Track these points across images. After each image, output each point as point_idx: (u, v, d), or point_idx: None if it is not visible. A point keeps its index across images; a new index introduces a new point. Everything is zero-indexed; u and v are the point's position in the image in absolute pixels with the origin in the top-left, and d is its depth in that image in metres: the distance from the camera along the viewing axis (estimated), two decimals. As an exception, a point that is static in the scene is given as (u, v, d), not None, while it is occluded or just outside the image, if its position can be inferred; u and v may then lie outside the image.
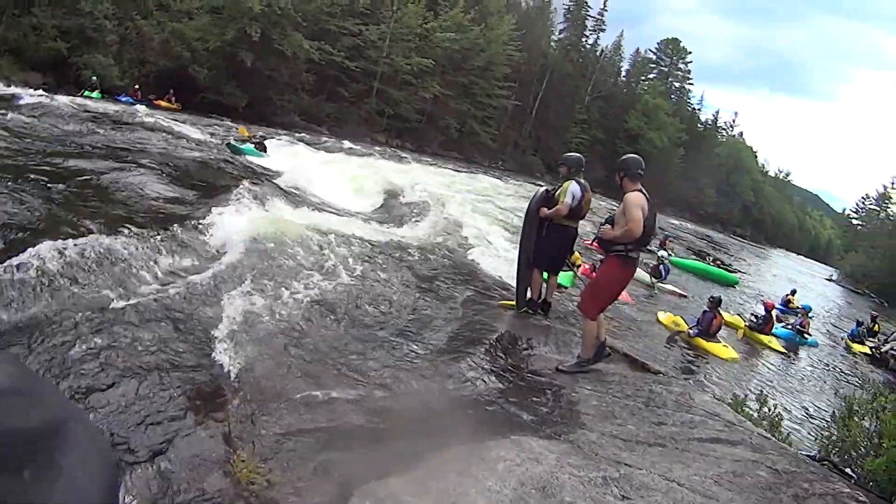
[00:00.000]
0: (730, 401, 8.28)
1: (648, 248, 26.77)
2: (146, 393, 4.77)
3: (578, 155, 8.94)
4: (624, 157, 7.19)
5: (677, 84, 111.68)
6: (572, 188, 8.44)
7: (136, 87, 37.51)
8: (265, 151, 22.85)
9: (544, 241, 8.70)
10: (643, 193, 6.77)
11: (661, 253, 22.81)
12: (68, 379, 4.60)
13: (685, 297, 19.52)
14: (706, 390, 8.96)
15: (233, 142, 22.49)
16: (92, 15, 35.99)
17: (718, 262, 31.86)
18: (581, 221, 8.91)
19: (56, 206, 8.51)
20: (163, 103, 37.20)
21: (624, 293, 15.97)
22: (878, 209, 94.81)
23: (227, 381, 5.32)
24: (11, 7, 34.04)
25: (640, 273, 20.45)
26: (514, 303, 9.06)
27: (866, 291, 64.74)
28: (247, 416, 4.91)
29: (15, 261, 5.90)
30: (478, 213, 20.49)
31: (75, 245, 6.61)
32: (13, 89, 25.55)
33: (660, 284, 20.18)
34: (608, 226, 7.45)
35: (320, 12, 50.25)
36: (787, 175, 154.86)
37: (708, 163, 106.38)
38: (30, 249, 6.21)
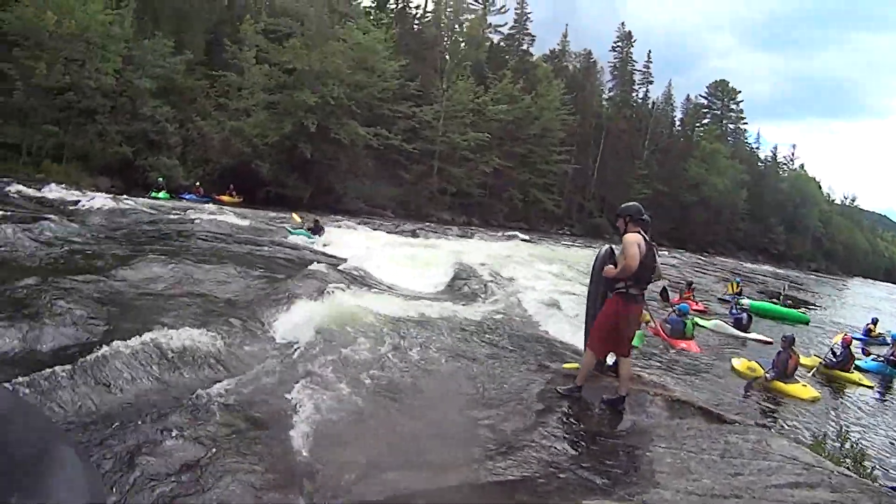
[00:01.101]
0: (809, 442, 8.07)
1: (726, 298, 25.82)
2: (220, 483, 4.79)
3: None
4: (626, 204, 7.78)
5: (731, 125, 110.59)
6: None
7: (198, 184, 38.60)
8: (320, 234, 23.15)
9: None
10: (642, 235, 7.27)
11: (744, 302, 22.00)
12: (144, 464, 4.75)
13: (770, 343, 18.39)
14: (784, 434, 8.54)
15: (289, 228, 23.31)
16: (153, 119, 37.71)
17: (789, 302, 30.12)
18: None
19: (130, 302, 9.19)
20: (225, 198, 38.19)
21: (693, 344, 15.84)
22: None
23: (299, 468, 5.27)
24: (76, 116, 35.71)
25: (725, 326, 19.63)
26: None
27: (951, 306, 61.76)
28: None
29: (96, 353, 6.41)
30: (546, 280, 20.44)
31: (150, 339, 7.04)
32: (83, 193, 26.42)
33: (743, 335, 19.25)
34: (611, 266, 7.57)
35: (372, 98, 50.96)
36: (854, 200, 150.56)
37: (772, 200, 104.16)
38: (109, 343, 6.71)
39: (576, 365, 8.68)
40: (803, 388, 13.33)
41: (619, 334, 7.46)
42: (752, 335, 19.23)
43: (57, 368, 6.02)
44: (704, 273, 41.69)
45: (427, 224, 44.84)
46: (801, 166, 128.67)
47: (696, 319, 17.59)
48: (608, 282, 7.57)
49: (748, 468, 5.57)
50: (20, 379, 5.73)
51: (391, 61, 51.61)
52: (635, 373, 9.04)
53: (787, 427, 10.85)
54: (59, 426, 4.05)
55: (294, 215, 27.11)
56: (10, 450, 1.24)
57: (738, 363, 14.56)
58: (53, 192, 25.59)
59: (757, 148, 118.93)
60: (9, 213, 16.71)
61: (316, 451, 5.50)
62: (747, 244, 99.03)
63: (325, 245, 21.73)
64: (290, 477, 5.07)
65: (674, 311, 16.70)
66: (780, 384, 13.30)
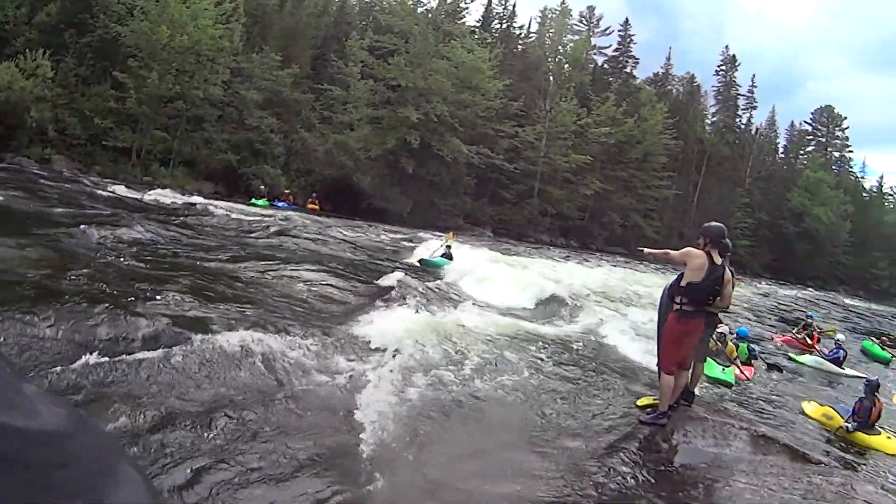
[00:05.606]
0: (898, 489, 7.81)
1: (826, 334, 23.18)
2: (291, 476, 4.98)
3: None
4: (709, 223, 7.65)
5: (836, 153, 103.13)
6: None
7: (288, 191, 38.63)
8: (451, 260, 21.85)
9: None
10: (710, 257, 7.32)
11: (840, 337, 20.00)
12: (224, 458, 4.93)
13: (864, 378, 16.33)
14: (871, 481, 8.05)
15: (427, 258, 21.86)
16: (259, 129, 38.72)
17: (884, 341, 26.37)
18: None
19: (220, 302, 9.20)
20: (310, 206, 38.55)
21: (750, 370, 14.62)
22: None
23: (367, 478, 5.27)
24: (184, 124, 37.02)
25: (822, 361, 17.93)
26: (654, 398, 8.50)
27: None
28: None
29: (180, 350, 6.62)
30: (637, 307, 19.78)
31: (235, 338, 7.22)
32: (187, 197, 27.84)
33: (838, 370, 17.47)
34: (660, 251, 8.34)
35: (476, 117, 50.70)
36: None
37: (877, 233, 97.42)
38: (193, 340, 6.92)
39: (649, 399, 8.50)
40: (889, 441, 11.24)
41: (680, 349, 7.57)
42: (849, 370, 17.74)
43: (143, 356, 6.27)
44: (807, 307, 38.42)
45: (525, 244, 44.14)
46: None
47: (792, 355, 18.24)
48: (669, 301, 7.64)
49: (832, 512, 5.58)
50: (107, 360, 5.97)
51: (495, 80, 50.95)
52: (722, 406, 9.60)
53: (871, 472, 9.81)
54: (118, 442, 4.31)
55: (448, 235, 25.59)
56: (71, 466, 1.10)
57: (811, 408, 12.40)
58: (158, 194, 26.42)
59: (862, 177, 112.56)
60: (115, 212, 17.28)
61: (386, 461, 5.55)
62: (849, 279, 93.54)
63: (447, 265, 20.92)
64: (358, 488, 5.09)
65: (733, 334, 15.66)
66: (862, 435, 11.20)
